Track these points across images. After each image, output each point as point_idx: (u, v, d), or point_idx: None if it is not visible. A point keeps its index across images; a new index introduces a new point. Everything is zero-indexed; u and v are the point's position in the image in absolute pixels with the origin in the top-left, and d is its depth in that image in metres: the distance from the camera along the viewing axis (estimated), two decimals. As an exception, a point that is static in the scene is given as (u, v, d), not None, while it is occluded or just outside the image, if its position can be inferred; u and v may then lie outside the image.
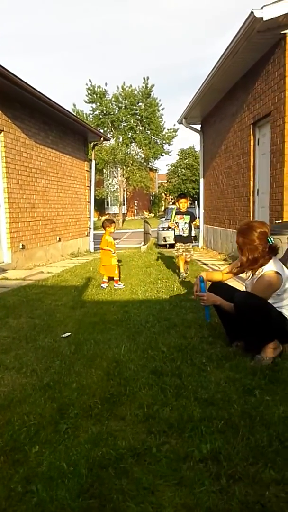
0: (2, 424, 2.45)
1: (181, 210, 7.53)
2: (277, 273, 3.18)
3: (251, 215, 8.81)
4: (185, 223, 7.47)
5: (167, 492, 1.83)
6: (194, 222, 7.59)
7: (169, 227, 8.62)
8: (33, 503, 1.80)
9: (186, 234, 7.50)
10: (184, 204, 7.55)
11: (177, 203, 7.78)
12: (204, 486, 1.83)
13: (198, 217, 14.67)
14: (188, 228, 7.48)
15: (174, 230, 7.64)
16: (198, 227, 7.85)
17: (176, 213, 7.56)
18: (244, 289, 3.57)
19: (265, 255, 3.23)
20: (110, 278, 6.93)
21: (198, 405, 2.56)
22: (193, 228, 7.83)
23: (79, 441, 2.24)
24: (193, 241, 7.91)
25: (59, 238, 11.87)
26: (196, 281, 3.73)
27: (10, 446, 2.21)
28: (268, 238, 3.23)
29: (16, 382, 3.07)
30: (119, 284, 6.77)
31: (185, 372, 3.07)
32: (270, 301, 3.21)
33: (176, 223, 7.46)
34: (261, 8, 6.20)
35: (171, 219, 7.59)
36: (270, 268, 3.22)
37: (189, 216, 7.50)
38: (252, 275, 3.39)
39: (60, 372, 3.20)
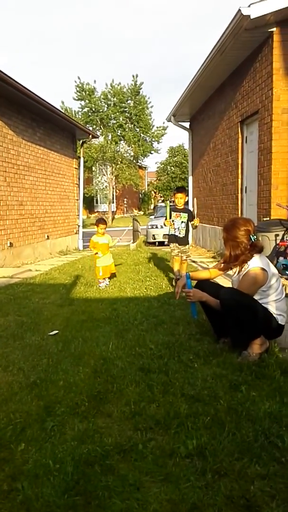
0: (-12, 423, 2.44)
1: (178, 207, 6.57)
2: (263, 269, 3.20)
3: (239, 212, 8.85)
4: (182, 222, 6.52)
5: (152, 488, 1.83)
6: (192, 222, 6.55)
7: (165, 226, 7.08)
8: (18, 500, 1.79)
9: (182, 235, 6.58)
10: (180, 199, 6.52)
11: (174, 198, 6.74)
12: (190, 482, 1.84)
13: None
14: (185, 228, 6.55)
15: (169, 228, 6.66)
16: (195, 227, 6.82)
17: (172, 210, 6.58)
18: (231, 285, 3.59)
19: (247, 252, 3.26)
20: (112, 275, 6.99)
21: (184, 401, 2.57)
22: (190, 229, 6.89)
23: (65, 439, 2.24)
24: (189, 243, 6.88)
25: (48, 236, 11.81)
26: (181, 278, 3.74)
27: (-5, 444, 2.20)
28: (251, 235, 3.26)
29: (2, 380, 3.05)
30: (103, 281, 6.64)
31: (172, 369, 3.08)
32: (256, 297, 3.23)
33: (172, 221, 6.50)
34: (249, 6, 6.21)
35: (166, 217, 6.54)
36: (255, 264, 3.24)
37: (186, 215, 6.55)
38: (238, 272, 3.41)
39: (47, 370, 3.20)
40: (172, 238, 6.63)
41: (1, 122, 9.12)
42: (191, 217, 6.59)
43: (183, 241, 6.62)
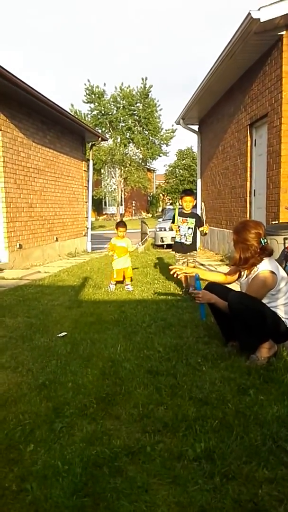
0: (-3, 423, 2.46)
1: (185, 211, 6.05)
2: (272, 272, 3.20)
3: (248, 215, 8.83)
4: (189, 228, 6.04)
5: (161, 490, 1.84)
6: (201, 229, 6.03)
7: (171, 229, 6.67)
8: (27, 501, 1.80)
9: (189, 242, 6.08)
10: (189, 203, 6.02)
11: (180, 201, 6.23)
12: (198, 485, 1.84)
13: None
14: (192, 235, 6.06)
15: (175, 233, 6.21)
16: (205, 234, 6.36)
17: (178, 214, 6.07)
18: (239, 289, 3.59)
19: (256, 255, 3.26)
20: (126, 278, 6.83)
21: (193, 404, 2.57)
22: (198, 235, 6.35)
23: (74, 440, 2.25)
24: (196, 250, 6.35)
25: (57, 238, 11.87)
26: (188, 278, 3.75)
27: (5, 445, 2.22)
28: (261, 239, 3.25)
29: (11, 381, 3.07)
30: (113, 284, 6.65)
31: (180, 372, 3.08)
32: (264, 301, 3.23)
33: (178, 227, 6.03)
34: (259, 9, 6.22)
35: (174, 221, 6.06)
36: (265, 267, 3.24)
37: (194, 220, 6.04)
38: (247, 275, 3.41)
39: (56, 371, 3.21)
40: (178, 247, 6.18)
41: (12, 125, 9.19)
42: (199, 222, 6.09)
43: (191, 248, 6.16)
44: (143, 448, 2.14)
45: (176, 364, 3.25)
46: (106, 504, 1.76)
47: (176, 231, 6.03)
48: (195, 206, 7.35)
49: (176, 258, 6.24)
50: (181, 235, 6.07)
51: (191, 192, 6.27)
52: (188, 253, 6.15)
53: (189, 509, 1.72)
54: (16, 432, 2.33)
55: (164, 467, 1.98)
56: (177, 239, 6.14)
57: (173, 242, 6.79)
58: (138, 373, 3.10)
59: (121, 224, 6.82)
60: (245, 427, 2.28)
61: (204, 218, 5.99)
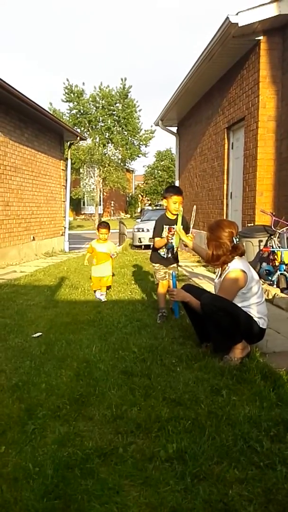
0: None
1: (171, 217, 4.52)
2: (243, 271, 3.27)
3: (224, 218, 8.92)
4: (175, 239, 4.61)
5: (132, 492, 1.84)
6: (188, 235, 4.37)
7: (157, 247, 4.67)
8: (-4, 504, 1.78)
9: (175, 254, 4.78)
10: (179, 205, 4.45)
11: (165, 201, 4.54)
12: (169, 486, 1.85)
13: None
14: (176, 246, 4.72)
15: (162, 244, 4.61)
16: (185, 246, 4.35)
17: (164, 222, 4.54)
18: (213, 290, 3.64)
19: (228, 253, 3.33)
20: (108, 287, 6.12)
21: (166, 405, 2.58)
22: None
23: (46, 442, 2.23)
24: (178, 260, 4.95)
25: (34, 237, 11.75)
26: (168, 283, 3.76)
27: (-25, 447, 2.19)
28: (234, 237, 3.34)
29: (-16, 383, 3.03)
30: (100, 293, 5.93)
31: (154, 373, 3.09)
32: (237, 301, 3.27)
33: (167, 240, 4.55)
34: (237, 13, 6.30)
35: (157, 233, 4.58)
36: (236, 266, 3.31)
37: (181, 226, 4.44)
38: (220, 275, 3.47)
39: (30, 372, 3.18)
40: (161, 260, 4.75)
41: (-12, 122, 9.06)
42: (186, 229, 4.50)
43: (175, 260, 4.83)
44: (116, 449, 2.14)
45: (150, 365, 3.26)
46: (77, 506, 1.75)
47: (163, 246, 4.60)
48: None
49: (156, 269, 4.83)
50: (167, 249, 4.65)
51: (177, 190, 4.64)
52: (172, 265, 4.81)
53: (160, 510, 1.72)
54: (-13, 434, 2.30)
55: (136, 468, 1.98)
56: (162, 253, 4.69)
57: (151, 243, 5.87)
58: (112, 374, 3.09)
59: (103, 225, 5.98)
60: (217, 428, 2.30)
61: (192, 225, 4.60)
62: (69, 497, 1.80)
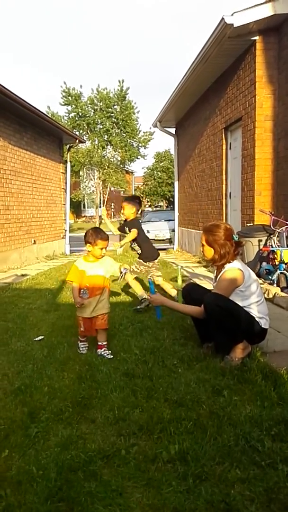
0: (-28, 430, 2.44)
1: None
2: (239, 269, 3.31)
3: (224, 218, 8.94)
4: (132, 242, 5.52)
5: (135, 493, 1.85)
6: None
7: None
8: (1, 508, 1.80)
9: (140, 251, 5.59)
10: (127, 211, 5.46)
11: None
12: (172, 487, 1.86)
13: (173, 220, 14.82)
14: (136, 245, 5.56)
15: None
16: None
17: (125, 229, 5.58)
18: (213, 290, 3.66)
19: (233, 249, 3.38)
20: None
21: (168, 406, 2.60)
22: (142, 242, 5.56)
23: (49, 445, 2.25)
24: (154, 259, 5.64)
25: (34, 241, 11.77)
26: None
27: (-21, 452, 2.20)
28: (233, 235, 3.39)
29: (-14, 387, 3.05)
30: (84, 341, 3.84)
31: (156, 374, 3.11)
32: (237, 300, 3.29)
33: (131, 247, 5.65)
34: (232, 14, 6.32)
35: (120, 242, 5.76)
36: (232, 265, 3.35)
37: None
38: (216, 276, 3.50)
39: (32, 376, 3.19)
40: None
41: (-13, 127, 9.09)
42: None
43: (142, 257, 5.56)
44: (118, 451, 2.15)
45: (152, 366, 3.27)
46: (81, 509, 1.77)
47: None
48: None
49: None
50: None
51: (131, 199, 5.65)
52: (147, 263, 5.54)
53: (162, 511, 1.74)
54: (-10, 438, 2.32)
55: (139, 470, 2.00)
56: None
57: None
58: (114, 376, 3.11)
59: (100, 235, 3.66)
60: (218, 428, 2.32)
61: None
62: (73, 499, 1.82)
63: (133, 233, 5.31)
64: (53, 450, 2.19)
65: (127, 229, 5.46)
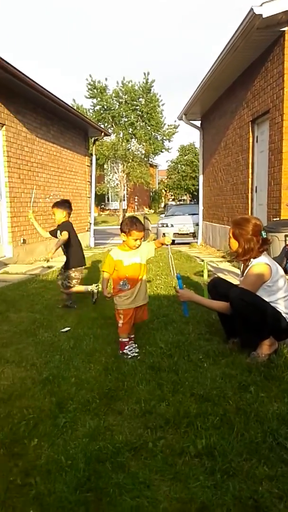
0: (2, 417, 2.50)
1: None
2: (267, 264, 3.27)
3: (249, 212, 8.83)
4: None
5: (162, 486, 1.87)
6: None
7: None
8: (31, 495, 1.84)
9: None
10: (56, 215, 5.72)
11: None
12: (199, 481, 1.87)
13: (197, 214, 14.78)
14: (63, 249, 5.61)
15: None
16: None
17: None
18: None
19: (258, 246, 3.33)
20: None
21: (194, 401, 2.61)
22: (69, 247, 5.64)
23: (77, 435, 2.29)
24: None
25: (60, 233, 11.86)
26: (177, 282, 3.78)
27: (9, 439, 2.26)
28: (261, 231, 3.34)
29: (16, 376, 3.11)
30: (127, 348, 3.48)
31: (182, 368, 3.11)
32: (264, 296, 3.25)
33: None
34: (261, 5, 6.21)
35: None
36: (259, 259, 3.31)
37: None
38: (243, 271, 3.47)
39: (59, 366, 3.24)
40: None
41: (16, 120, 9.19)
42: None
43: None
44: (145, 444, 2.17)
45: (178, 360, 3.28)
46: (109, 500, 1.79)
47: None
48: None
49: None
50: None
51: (60, 203, 5.89)
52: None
53: (190, 505, 1.75)
54: (20, 427, 2.37)
55: (166, 463, 2.02)
56: None
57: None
58: (140, 369, 3.13)
59: (136, 224, 3.53)
60: (245, 424, 2.31)
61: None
62: (101, 490, 1.85)
63: (64, 235, 5.34)
64: (81, 440, 2.22)
65: (58, 232, 5.47)
